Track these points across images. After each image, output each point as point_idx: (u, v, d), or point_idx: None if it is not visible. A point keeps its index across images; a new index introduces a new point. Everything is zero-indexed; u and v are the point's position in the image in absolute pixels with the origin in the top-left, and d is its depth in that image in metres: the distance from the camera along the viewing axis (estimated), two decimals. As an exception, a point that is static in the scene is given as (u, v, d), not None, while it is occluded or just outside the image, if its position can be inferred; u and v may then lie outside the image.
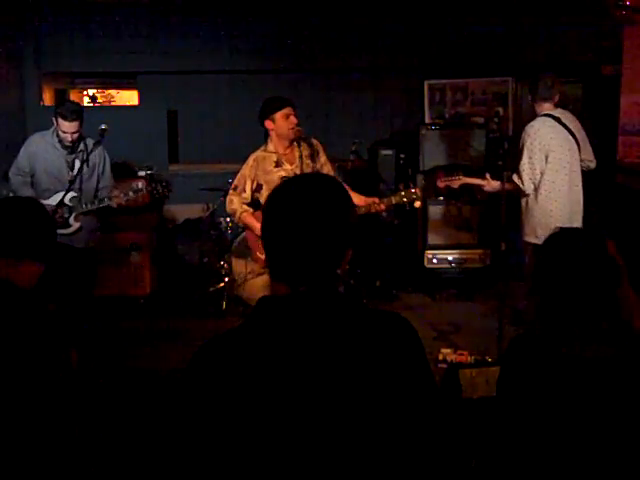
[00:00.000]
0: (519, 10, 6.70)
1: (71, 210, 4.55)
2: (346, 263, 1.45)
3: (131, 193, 4.57)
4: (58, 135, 4.54)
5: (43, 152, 4.57)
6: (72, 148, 4.57)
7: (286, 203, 1.42)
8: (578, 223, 4.54)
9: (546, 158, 4.44)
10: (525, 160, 4.45)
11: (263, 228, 1.44)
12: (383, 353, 1.38)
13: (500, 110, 7.08)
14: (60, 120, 4.47)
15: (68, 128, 4.47)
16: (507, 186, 4.54)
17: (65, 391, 2.07)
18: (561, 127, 4.49)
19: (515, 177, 4.51)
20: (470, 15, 6.83)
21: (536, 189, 4.50)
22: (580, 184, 4.58)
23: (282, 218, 1.41)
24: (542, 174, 4.46)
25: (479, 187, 4.82)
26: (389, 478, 1.34)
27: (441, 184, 4.85)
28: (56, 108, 4.59)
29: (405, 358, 1.40)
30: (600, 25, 6.48)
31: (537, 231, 4.50)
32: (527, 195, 4.54)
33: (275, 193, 1.47)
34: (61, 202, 4.50)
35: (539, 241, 4.45)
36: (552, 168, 4.46)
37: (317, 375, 1.34)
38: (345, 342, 1.36)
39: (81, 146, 4.62)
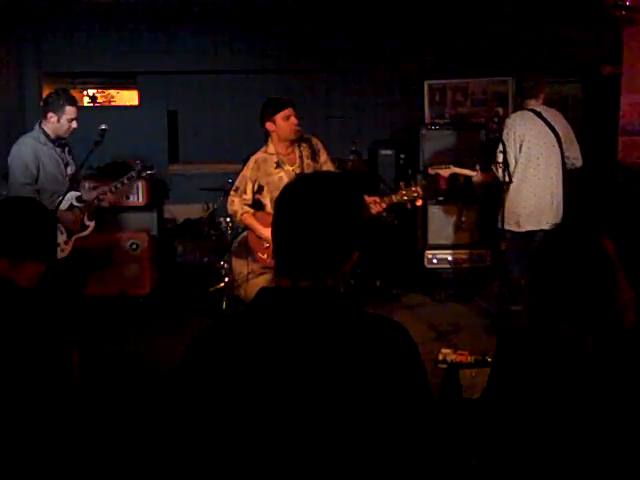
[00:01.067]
0: (519, 10, 6.70)
1: (81, 210, 4.50)
2: (351, 264, 1.46)
3: (126, 180, 4.69)
4: (45, 133, 4.43)
5: (41, 153, 4.41)
6: (62, 144, 4.51)
7: (297, 198, 1.45)
8: (550, 214, 4.67)
9: (520, 148, 4.61)
10: (499, 148, 4.61)
11: (273, 221, 1.47)
12: (374, 356, 1.38)
13: (500, 110, 7.08)
14: (68, 107, 4.36)
15: (75, 113, 4.42)
16: (487, 176, 4.79)
17: (66, 390, 2.07)
18: (540, 120, 4.64)
19: (493, 166, 4.69)
20: (470, 15, 6.83)
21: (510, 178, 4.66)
22: (556, 177, 4.70)
23: (292, 212, 1.43)
24: (516, 163, 4.63)
25: (469, 177, 4.99)
26: (373, 477, 1.34)
27: (431, 171, 4.96)
28: (55, 100, 4.44)
29: (397, 363, 1.39)
30: (600, 25, 6.48)
31: (507, 217, 4.65)
32: (504, 183, 4.64)
33: (288, 188, 1.49)
34: (71, 205, 4.44)
35: (508, 227, 4.67)
36: (525, 157, 4.62)
37: (305, 369, 1.35)
38: (337, 340, 1.37)
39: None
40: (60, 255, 4.27)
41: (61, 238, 4.30)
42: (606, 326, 1.73)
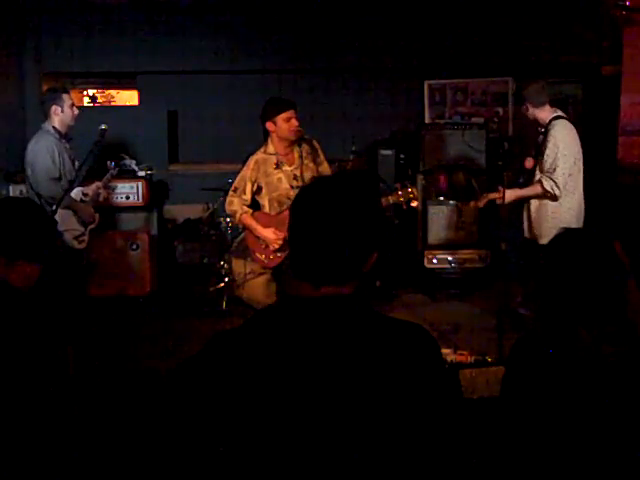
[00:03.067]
0: (519, 11, 6.70)
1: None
2: (371, 265, 1.43)
3: (109, 176, 4.99)
4: (56, 130, 4.55)
5: (60, 149, 4.58)
6: (69, 139, 4.65)
7: (315, 201, 1.41)
8: (582, 221, 4.60)
9: (574, 162, 4.47)
10: (560, 164, 4.41)
11: (290, 225, 1.43)
12: (398, 362, 1.35)
13: (500, 110, 7.09)
14: (64, 95, 4.61)
15: (71, 98, 4.64)
16: (529, 191, 4.56)
17: (61, 389, 2.07)
18: (574, 128, 4.54)
19: (547, 182, 4.44)
20: (470, 16, 6.83)
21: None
22: None
23: (310, 216, 1.40)
24: (569, 176, 4.47)
25: (469, 178, 4.83)
26: None
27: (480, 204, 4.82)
28: (51, 95, 4.63)
29: (422, 370, 1.37)
30: (600, 25, 6.48)
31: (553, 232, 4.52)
32: (556, 199, 4.49)
33: (305, 191, 1.46)
34: (80, 199, 4.61)
35: None
36: (577, 171, 4.50)
37: (325, 378, 1.32)
38: (359, 349, 1.34)
39: None
40: (81, 246, 4.52)
41: (80, 230, 4.53)
42: (619, 330, 1.72)
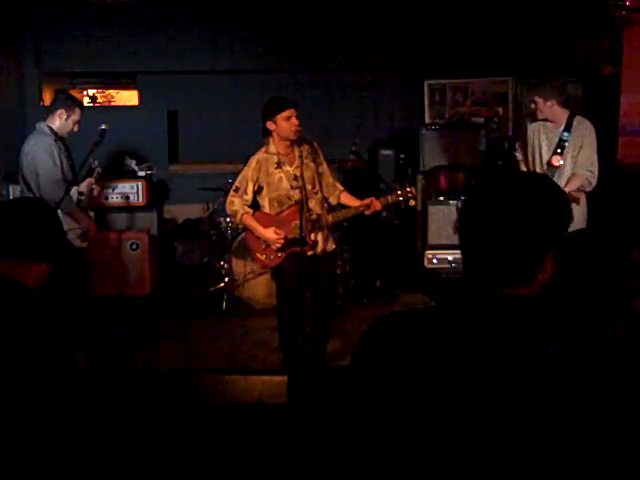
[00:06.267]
0: (519, 10, 6.70)
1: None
2: (550, 266, 1.32)
3: (96, 174, 4.85)
4: (52, 131, 4.53)
5: (58, 153, 4.57)
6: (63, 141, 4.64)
7: (493, 196, 1.32)
8: None
9: None
10: (595, 157, 4.51)
11: (462, 221, 1.35)
12: (568, 377, 1.22)
13: (500, 110, 7.09)
14: (78, 110, 4.56)
15: (80, 116, 4.61)
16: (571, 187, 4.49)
17: (72, 390, 2.07)
18: None
19: (589, 174, 4.48)
20: (470, 15, 6.83)
21: None
22: None
23: (486, 212, 1.31)
24: None
25: (469, 177, 4.88)
26: None
27: None
28: (66, 99, 4.62)
29: (610, 389, 1.22)
30: (600, 25, 6.49)
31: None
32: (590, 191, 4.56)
33: (482, 185, 1.39)
34: (77, 199, 4.60)
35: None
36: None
37: (494, 379, 1.24)
38: (532, 355, 1.24)
39: None
40: (84, 244, 4.59)
41: (81, 228, 4.58)
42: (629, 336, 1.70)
